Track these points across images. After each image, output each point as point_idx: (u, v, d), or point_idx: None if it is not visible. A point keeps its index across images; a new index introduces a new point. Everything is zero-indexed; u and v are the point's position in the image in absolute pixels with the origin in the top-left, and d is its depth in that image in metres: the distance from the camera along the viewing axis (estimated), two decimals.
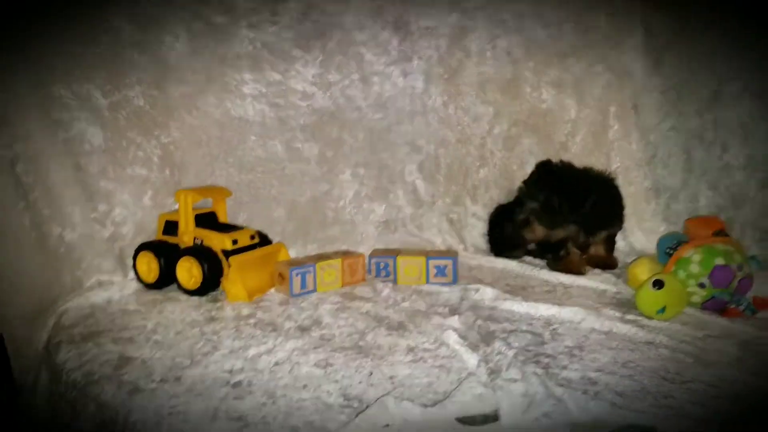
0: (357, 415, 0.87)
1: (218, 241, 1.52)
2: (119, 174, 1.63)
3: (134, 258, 1.56)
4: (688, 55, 1.79)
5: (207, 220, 1.61)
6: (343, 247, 1.84)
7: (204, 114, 1.79)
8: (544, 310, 1.37)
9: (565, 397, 0.91)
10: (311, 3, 1.89)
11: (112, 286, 1.51)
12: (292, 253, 1.77)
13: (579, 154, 2.01)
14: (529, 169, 2.01)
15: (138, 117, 1.67)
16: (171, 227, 1.59)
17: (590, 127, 2.02)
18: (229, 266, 1.48)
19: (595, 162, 2.01)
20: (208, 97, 1.79)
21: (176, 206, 1.59)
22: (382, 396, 0.92)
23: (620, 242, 1.95)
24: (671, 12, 1.86)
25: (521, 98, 2.01)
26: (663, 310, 1.31)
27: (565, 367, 1.07)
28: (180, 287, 1.52)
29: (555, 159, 1.99)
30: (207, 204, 1.65)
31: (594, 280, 1.62)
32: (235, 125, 1.82)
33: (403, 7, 1.94)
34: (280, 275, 1.52)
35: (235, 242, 1.53)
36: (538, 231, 1.75)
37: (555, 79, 2.01)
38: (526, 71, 2.00)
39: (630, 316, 1.33)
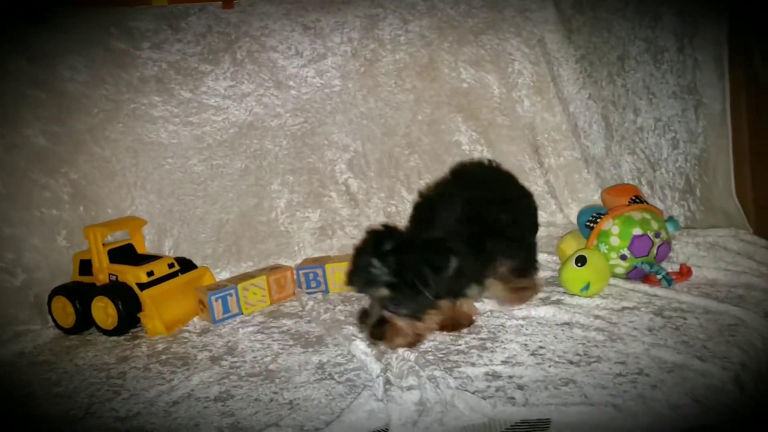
0: None
1: (132, 275, 1.46)
2: (25, 218, 1.57)
3: (48, 303, 1.49)
4: (595, 21, 1.74)
5: (124, 254, 1.54)
6: (280, 261, 1.79)
7: (114, 143, 1.74)
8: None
9: (456, 400, 0.86)
10: (214, 15, 1.84)
11: (27, 337, 1.44)
12: (226, 275, 1.72)
13: (507, 129, 1.96)
14: (458, 150, 1.97)
15: (40, 156, 1.61)
16: (86, 266, 1.53)
17: (513, 102, 1.97)
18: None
19: (524, 135, 1.97)
20: (116, 125, 1.74)
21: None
22: (267, 427, 0.87)
23: (557, 216, 1.92)
24: None
25: (440, 80, 1.95)
26: (587, 287, 1.27)
27: (473, 364, 1.03)
28: (98, 329, 1.46)
29: (484, 137, 1.96)
30: (125, 236, 1.59)
31: None
32: (148, 150, 1.78)
33: (310, 5, 1.89)
34: (201, 302, 1.47)
35: (150, 274, 1.47)
36: None
37: (472, 57, 1.95)
38: (442, 52, 1.95)
39: (553, 297, 1.29)
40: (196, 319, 1.48)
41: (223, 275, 1.72)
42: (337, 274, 1.57)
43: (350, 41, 1.93)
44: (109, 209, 1.72)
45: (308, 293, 1.54)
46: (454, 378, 0.95)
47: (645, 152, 1.65)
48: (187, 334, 1.39)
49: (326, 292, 1.57)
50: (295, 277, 1.60)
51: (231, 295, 1.47)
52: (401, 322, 1.07)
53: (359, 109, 1.96)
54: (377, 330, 1.08)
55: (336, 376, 1.06)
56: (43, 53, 1.66)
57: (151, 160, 1.77)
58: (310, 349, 1.20)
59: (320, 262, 1.62)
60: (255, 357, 1.20)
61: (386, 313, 1.07)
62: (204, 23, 1.84)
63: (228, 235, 1.83)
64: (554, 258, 1.55)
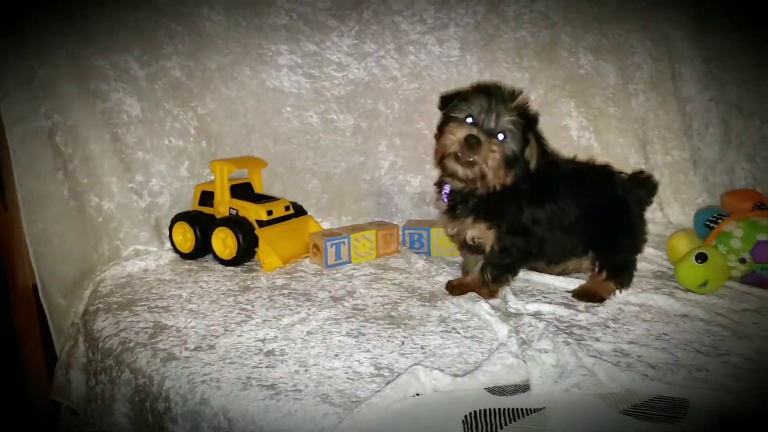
0: (387, 384, 0.87)
1: (254, 212, 1.54)
2: (156, 145, 1.65)
3: (170, 228, 1.59)
4: (732, 25, 1.71)
5: (242, 191, 1.62)
6: (378, 219, 1.85)
7: (240, 85, 1.79)
8: (578, 283, 1.35)
9: (596, 368, 0.90)
10: None
11: (149, 256, 1.54)
12: (326, 225, 1.78)
13: (618, 120, 1.96)
14: (566, 134, 1.98)
15: (175, 88, 1.68)
16: (207, 198, 1.62)
17: (628, 95, 1.96)
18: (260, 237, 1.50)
19: (634, 129, 1.96)
20: (243, 69, 1.79)
21: (212, 177, 1.61)
22: (413, 365, 0.92)
23: (657, 214, 1.92)
24: None
25: (558, 63, 1.95)
26: (705, 284, 1.28)
27: (597, 339, 1.06)
28: (215, 257, 1.55)
29: (593, 125, 1.95)
30: (243, 175, 1.67)
31: None
32: (270, 96, 1.82)
33: None
34: (315, 246, 1.53)
35: (269, 213, 1.55)
36: None
37: (593, 45, 1.94)
38: (564, 35, 1.95)
39: (665, 289, 1.30)
40: (307, 261, 1.55)
41: (324, 225, 1.78)
42: (441, 239, 1.62)
43: (474, 14, 1.93)
44: (228, 147, 1.79)
45: (416, 253, 1.60)
46: (584, 349, 0.98)
47: (766, 162, 1.63)
48: (302, 274, 1.46)
49: (428, 254, 1.62)
50: (399, 235, 1.66)
51: (344, 243, 1.54)
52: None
53: (474, 81, 1.97)
54: None
55: (461, 331, 1.11)
56: None
57: (272, 105, 1.83)
58: (427, 304, 1.25)
59: (425, 224, 1.67)
60: (375, 302, 1.26)
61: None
62: None
63: (333, 188, 1.88)
64: (659, 252, 1.56)
